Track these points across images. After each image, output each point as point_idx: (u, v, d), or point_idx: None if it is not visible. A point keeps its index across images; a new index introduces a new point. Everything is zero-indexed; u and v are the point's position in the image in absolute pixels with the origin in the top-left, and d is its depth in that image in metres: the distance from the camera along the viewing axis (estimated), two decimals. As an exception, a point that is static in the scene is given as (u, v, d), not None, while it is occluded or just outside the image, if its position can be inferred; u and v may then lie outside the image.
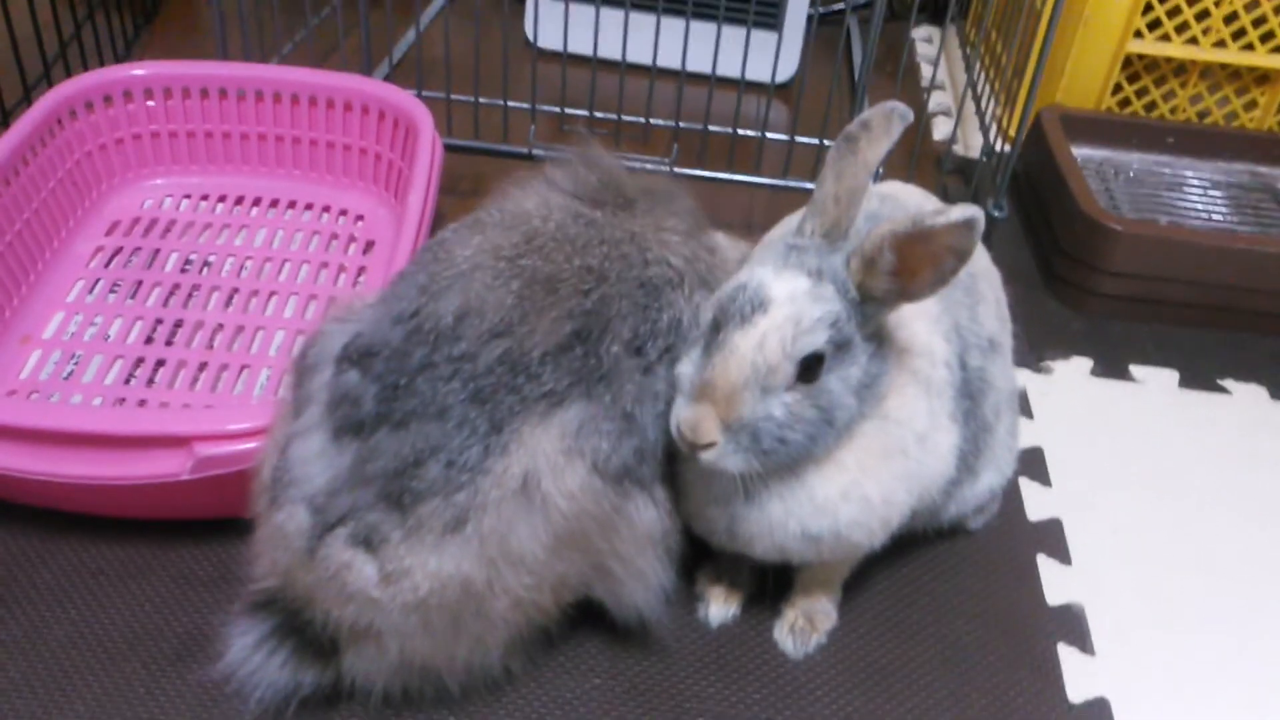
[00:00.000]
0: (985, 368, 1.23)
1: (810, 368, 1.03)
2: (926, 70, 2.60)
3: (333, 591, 1.11)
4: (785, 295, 1.03)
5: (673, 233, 1.27)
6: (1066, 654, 1.37)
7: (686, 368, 1.08)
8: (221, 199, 1.90)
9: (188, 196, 1.90)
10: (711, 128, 2.02)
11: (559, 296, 1.15)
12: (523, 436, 1.09)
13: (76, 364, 1.56)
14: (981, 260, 1.30)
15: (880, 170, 1.49)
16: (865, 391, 1.08)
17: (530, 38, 2.44)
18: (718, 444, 1.04)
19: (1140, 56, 2.23)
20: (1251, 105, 2.27)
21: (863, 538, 1.16)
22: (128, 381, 1.54)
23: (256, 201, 1.91)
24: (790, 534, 1.13)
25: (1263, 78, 2.24)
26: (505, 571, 1.10)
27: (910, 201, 1.30)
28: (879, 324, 1.09)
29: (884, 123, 1.07)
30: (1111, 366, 1.83)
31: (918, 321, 1.16)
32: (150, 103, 1.86)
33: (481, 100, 2.00)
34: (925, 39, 2.78)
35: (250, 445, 1.24)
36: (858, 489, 1.12)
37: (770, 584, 1.35)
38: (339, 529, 1.09)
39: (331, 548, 1.09)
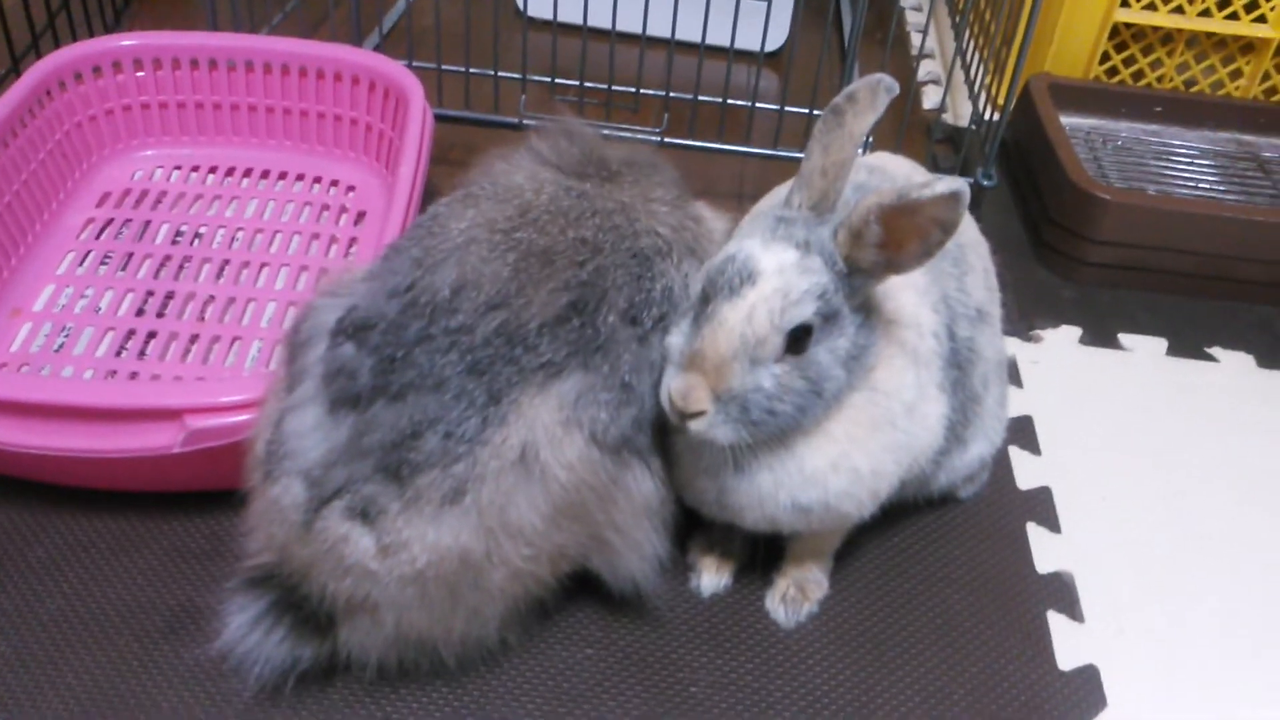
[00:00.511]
0: (974, 338, 1.23)
1: (799, 339, 1.04)
2: (916, 39, 2.59)
3: (330, 564, 1.11)
4: (774, 267, 1.04)
5: (660, 203, 1.29)
6: (1056, 621, 1.38)
7: (676, 338, 1.09)
8: (212, 170, 1.90)
9: (178, 168, 1.90)
10: (702, 97, 2.02)
11: (555, 269, 1.16)
12: (521, 408, 1.09)
13: (67, 336, 1.56)
14: (969, 231, 1.30)
15: (870, 140, 1.50)
16: (853, 363, 1.09)
17: (520, 6, 2.42)
18: (707, 413, 1.04)
19: (1127, 26, 2.23)
20: (1237, 74, 2.28)
21: (852, 508, 1.17)
22: (119, 354, 1.54)
23: (247, 172, 1.90)
24: (780, 505, 1.14)
25: (1247, 46, 2.24)
26: (504, 542, 1.10)
27: (899, 173, 1.30)
28: (867, 295, 1.09)
29: (870, 95, 1.07)
30: (1100, 335, 1.84)
31: (905, 293, 1.17)
32: (140, 74, 1.85)
33: (472, 70, 1.99)
34: (914, 7, 2.77)
35: (242, 418, 1.24)
36: (847, 460, 1.12)
37: (761, 553, 1.36)
38: (335, 502, 1.09)
39: (328, 520, 1.09)
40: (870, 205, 1.01)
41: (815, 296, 1.03)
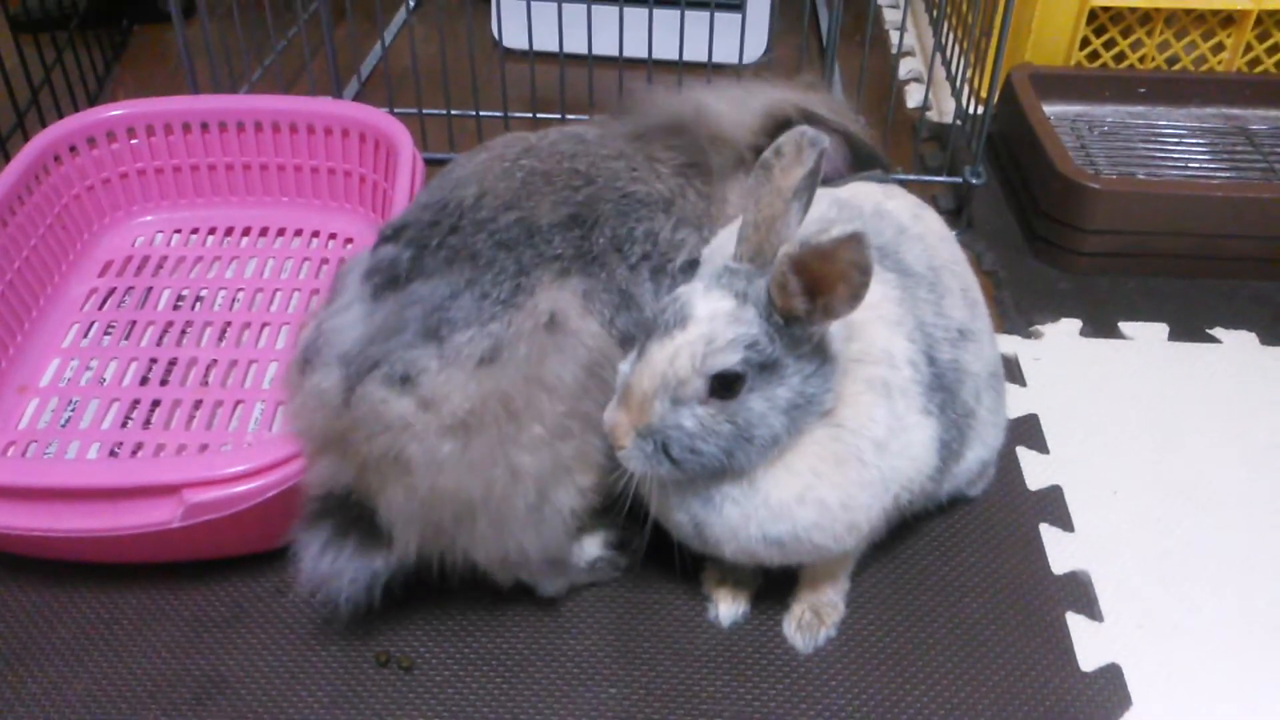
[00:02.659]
0: (958, 358, 1.24)
1: (727, 385, 1.07)
2: (896, 37, 2.60)
3: (367, 426, 1.17)
4: (706, 314, 1.08)
5: (665, 164, 1.42)
6: (1075, 622, 1.38)
7: (625, 368, 1.13)
8: (211, 231, 1.92)
9: (178, 231, 1.92)
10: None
11: (554, 187, 1.33)
12: (545, 285, 1.23)
13: (74, 410, 1.57)
14: (944, 252, 1.31)
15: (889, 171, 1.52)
16: (799, 411, 1.11)
17: (496, 37, 2.44)
18: (627, 447, 1.10)
19: (1105, 9, 2.23)
20: (1219, 49, 2.28)
21: (827, 541, 1.18)
22: (124, 424, 1.55)
23: (246, 231, 1.92)
24: (752, 537, 1.17)
25: (1227, 20, 2.24)
26: (540, 395, 1.18)
27: (866, 205, 1.30)
28: (819, 342, 1.10)
29: (795, 150, 1.08)
30: (1101, 325, 1.84)
31: (874, 327, 1.18)
32: (134, 141, 1.88)
33: (454, 112, 2.00)
34: (891, 4, 2.78)
35: (241, 488, 1.26)
36: (813, 493, 1.14)
37: (777, 579, 1.36)
38: (374, 373, 1.18)
39: (367, 387, 1.18)
40: (781, 257, 1.02)
41: (744, 346, 1.06)
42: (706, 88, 1.56)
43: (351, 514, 1.22)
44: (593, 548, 1.37)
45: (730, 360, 1.06)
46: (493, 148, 1.42)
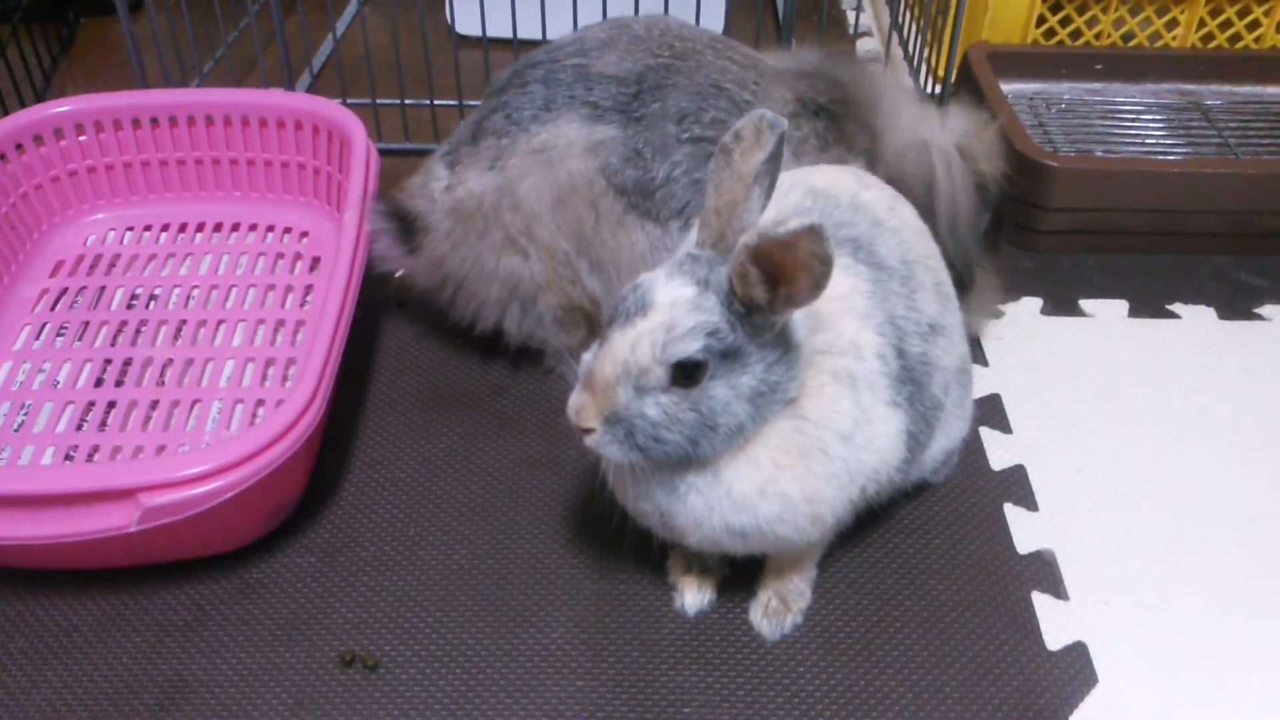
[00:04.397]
0: (927, 352, 1.23)
1: (689, 373, 1.07)
2: (853, 17, 2.59)
3: (423, 191, 1.59)
4: (667, 301, 1.07)
5: (796, 102, 1.57)
6: (1041, 601, 1.38)
7: (588, 356, 1.12)
8: (164, 228, 1.89)
9: (130, 228, 1.89)
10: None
11: (639, 49, 1.55)
12: (560, 123, 1.50)
13: (27, 414, 1.55)
14: (918, 246, 1.30)
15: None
16: (762, 398, 1.10)
17: (450, 23, 2.41)
18: (595, 431, 1.09)
19: (1060, -14, 2.23)
20: (1173, 24, 2.28)
21: (790, 533, 1.18)
22: (80, 427, 1.53)
23: (199, 227, 1.89)
24: (715, 528, 1.17)
25: (1181, -5, 2.25)
26: (508, 210, 1.51)
27: (843, 195, 1.29)
28: (783, 332, 1.10)
29: (755, 133, 1.07)
30: (1061, 303, 1.85)
31: (843, 320, 1.17)
32: (82, 138, 1.85)
33: (408, 102, 1.98)
34: (848, -16, 2.77)
35: (197, 490, 1.24)
36: (774, 486, 1.14)
37: (744, 567, 1.36)
38: (445, 158, 1.59)
39: (434, 164, 1.61)
40: (739, 248, 1.02)
41: (704, 334, 1.05)
42: (903, 88, 1.69)
43: (401, 214, 1.60)
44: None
45: (691, 348, 1.05)
46: (594, 30, 1.63)
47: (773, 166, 1.08)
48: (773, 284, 1.04)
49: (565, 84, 1.51)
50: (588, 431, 1.10)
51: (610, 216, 1.50)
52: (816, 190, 1.29)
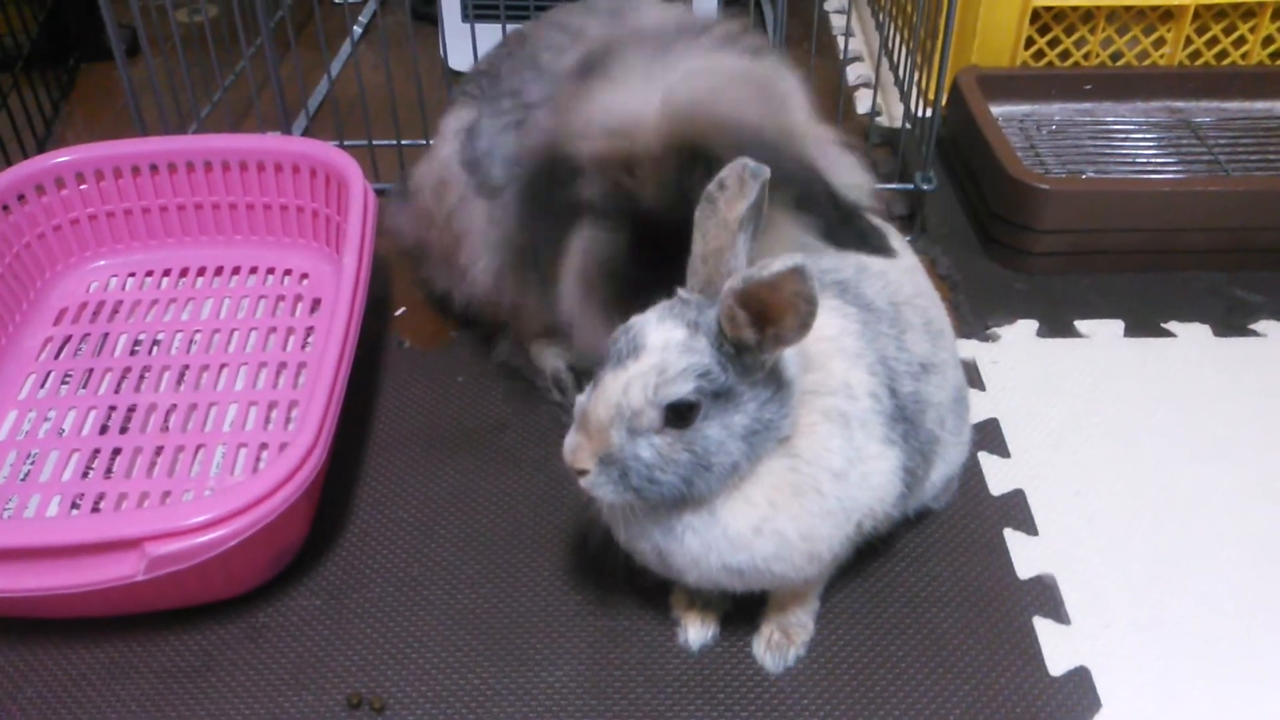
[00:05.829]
0: (919, 390, 1.25)
1: (682, 414, 1.08)
2: (842, 42, 2.60)
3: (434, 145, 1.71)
4: (659, 344, 1.08)
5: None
6: (1043, 627, 1.39)
7: (583, 397, 1.13)
8: (166, 273, 1.91)
9: (133, 274, 1.91)
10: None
11: (520, 48, 1.63)
12: (454, 109, 1.67)
13: (33, 463, 1.56)
14: (907, 286, 1.32)
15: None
16: (757, 436, 1.11)
17: (443, 58, 2.43)
18: (590, 473, 1.10)
19: (1048, 8, 2.25)
20: (1160, 43, 2.30)
21: (787, 571, 1.19)
22: (85, 475, 1.54)
23: (201, 271, 1.91)
24: (713, 566, 1.18)
25: (1166, 14, 2.27)
26: (426, 190, 1.67)
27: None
28: (774, 370, 1.11)
29: (738, 182, 1.09)
30: (1057, 325, 1.86)
31: (833, 360, 1.18)
32: (83, 186, 1.87)
33: (404, 142, 2.00)
34: (838, 10, 2.79)
35: (202, 539, 1.25)
36: (770, 524, 1.15)
37: (747, 601, 1.36)
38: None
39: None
40: (726, 291, 1.03)
41: (696, 375, 1.07)
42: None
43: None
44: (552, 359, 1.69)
45: (683, 390, 1.07)
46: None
47: (756, 213, 1.10)
48: (760, 325, 1.05)
49: (470, 81, 1.69)
50: (583, 473, 1.11)
51: (454, 187, 1.63)
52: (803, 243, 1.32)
